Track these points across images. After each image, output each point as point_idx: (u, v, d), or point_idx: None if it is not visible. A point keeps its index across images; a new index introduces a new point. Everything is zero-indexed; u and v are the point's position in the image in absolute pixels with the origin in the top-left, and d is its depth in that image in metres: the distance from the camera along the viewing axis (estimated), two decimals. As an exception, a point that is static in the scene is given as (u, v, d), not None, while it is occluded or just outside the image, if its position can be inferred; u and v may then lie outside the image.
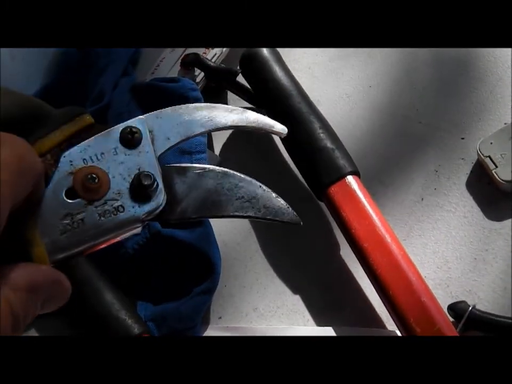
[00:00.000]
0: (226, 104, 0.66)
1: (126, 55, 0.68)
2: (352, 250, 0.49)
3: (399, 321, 0.45)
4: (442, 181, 0.53)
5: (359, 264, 0.48)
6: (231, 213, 0.31)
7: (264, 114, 0.32)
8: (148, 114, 0.31)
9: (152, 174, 0.29)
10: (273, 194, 0.32)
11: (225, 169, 0.32)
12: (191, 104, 0.33)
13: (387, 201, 0.54)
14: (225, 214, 0.31)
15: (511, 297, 0.47)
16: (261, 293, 0.53)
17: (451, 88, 0.58)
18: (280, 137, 0.56)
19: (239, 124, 0.32)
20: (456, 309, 0.46)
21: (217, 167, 0.32)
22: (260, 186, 0.32)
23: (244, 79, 0.61)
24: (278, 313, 0.52)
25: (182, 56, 0.65)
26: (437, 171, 0.54)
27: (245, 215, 0.31)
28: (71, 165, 0.29)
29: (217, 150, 0.63)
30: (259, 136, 0.62)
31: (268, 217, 0.31)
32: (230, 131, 0.63)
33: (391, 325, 0.48)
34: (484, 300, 0.47)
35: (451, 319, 0.45)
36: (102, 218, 0.28)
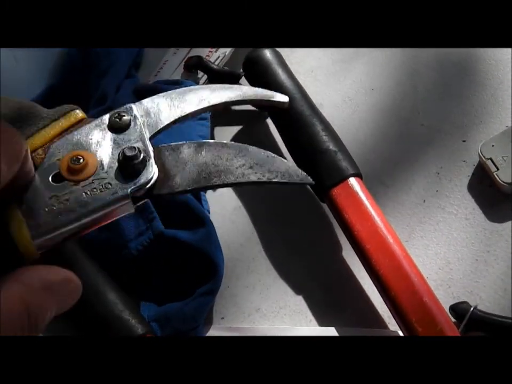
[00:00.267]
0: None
1: (127, 57, 0.68)
2: (355, 252, 0.49)
3: (401, 322, 0.45)
4: (444, 183, 0.54)
5: (361, 265, 0.49)
6: (232, 181, 0.28)
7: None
8: (140, 101, 0.31)
9: (137, 147, 0.28)
10: (279, 158, 0.29)
11: (223, 141, 0.30)
12: (186, 87, 0.32)
13: (389, 203, 0.54)
14: (224, 183, 0.28)
15: (511, 298, 0.47)
16: (263, 293, 0.53)
17: (453, 91, 0.58)
18: (283, 140, 0.56)
19: (237, 99, 0.30)
20: (458, 310, 0.46)
21: (213, 140, 0.30)
22: (263, 152, 0.29)
23: (247, 82, 0.62)
24: (280, 313, 0.52)
25: (185, 58, 0.65)
26: (438, 173, 0.54)
27: (248, 181, 0.28)
28: (59, 152, 0.29)
29: (220, 152, 0.63)
30: (262, 138, 0.62)
31: (274, 180, 0.28)
32: (232, 133, 0.63)
33: (393, 325, 0.48)
34: (485, 300, 0.47)
35: (453, 320, 0.45)
36: (88, 195, 0.27)
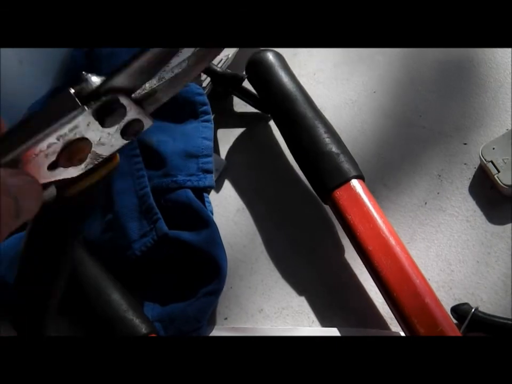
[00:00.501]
0: (232, 109, 0.67)
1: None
2: (357, 253, 0.50)
3: (403, 323, 0.45)
4: (445, 185, 0.54)
5: (364, 266, 0.49)
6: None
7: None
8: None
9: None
10: None
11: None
12: None
13: (391, 205, 0.54)
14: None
15: None
16: (266, 294, 0.54)
17: (454, 94, 0.59)
18: (286, 143, 0.57)
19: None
20: (459, 311, 0.46)
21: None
22: None
23: (249, 84, 0.62)
24: (283, 314, 0.52)
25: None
26: (440, 175, 0.55)
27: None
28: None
29: (223, 153, 0.64)
30: (264, 140, 0.63)
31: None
32: (235, 135, 0.64)
33: (395, 326, 0.49)
34: (486, 302, 0.48)
35: (454, 321, 0.45)
36: None
